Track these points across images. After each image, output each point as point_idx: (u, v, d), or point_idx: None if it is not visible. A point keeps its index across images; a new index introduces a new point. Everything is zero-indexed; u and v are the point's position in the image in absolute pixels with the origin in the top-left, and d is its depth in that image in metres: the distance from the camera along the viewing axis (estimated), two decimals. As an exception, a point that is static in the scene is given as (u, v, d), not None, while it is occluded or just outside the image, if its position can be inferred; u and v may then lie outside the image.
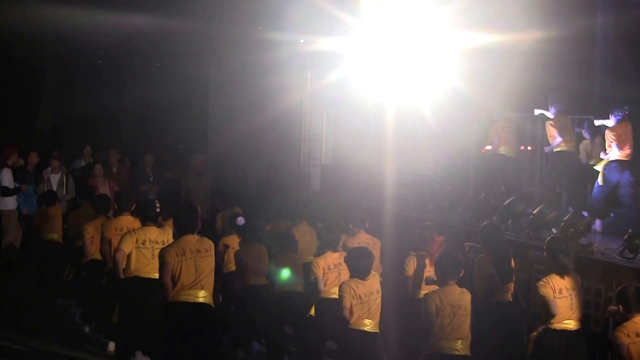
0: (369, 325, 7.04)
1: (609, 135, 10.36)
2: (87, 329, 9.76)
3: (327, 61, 13.04)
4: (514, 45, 11.77)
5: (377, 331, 7.16)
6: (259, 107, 14.22)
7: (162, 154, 15.04)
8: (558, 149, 11.09)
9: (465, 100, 12.17)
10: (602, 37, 12.48)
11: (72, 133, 17.75)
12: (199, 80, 16.71)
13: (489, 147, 12.16)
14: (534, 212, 9.30)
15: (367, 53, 12.34)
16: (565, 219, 8.73)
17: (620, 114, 10.31)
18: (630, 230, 8.31)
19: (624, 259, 7.99)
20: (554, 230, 9.03)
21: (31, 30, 15.27)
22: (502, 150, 11.74)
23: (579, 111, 11.68)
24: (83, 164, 14.49)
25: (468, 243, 9.11)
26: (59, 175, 13.39)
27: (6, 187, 12.69)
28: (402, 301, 7.92)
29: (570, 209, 10.15)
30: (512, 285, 7.81)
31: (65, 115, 18.52)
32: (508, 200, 9.79)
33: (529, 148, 12.85)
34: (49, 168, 13.32)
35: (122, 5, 14.14)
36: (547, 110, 11.06)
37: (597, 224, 9.88)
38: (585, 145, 11.54)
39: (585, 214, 9.37)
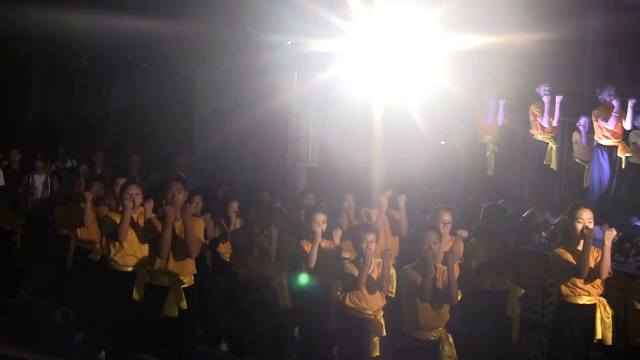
0: None
1: None
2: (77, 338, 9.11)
3: (314, 63, 12.92)
4: (504, 47, 11.65)
5: None
6: (245, 109, 14.09)
7: (148, 156, 14.88)
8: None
9: (455, 102, 12.05)
10: (593, 40, 12.41)
11: (58, 133, 17.64)
12: (184, 82, 16.61)
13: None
14: (523, 215, 9.17)
15: (356, 55, 12.22)
16: (555, 222, 8.60)
17: None
18: (620, 234, 8.18)
19: (615, 263, 7.83)
20: (543, 234, 8.88)
21: (18, 30, 15.13)
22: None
23: (570, 113, 11.55)
24: (61, 165, 14.31)
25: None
26: (44, 176, 13.15)
27: None
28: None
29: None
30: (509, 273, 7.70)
31: (52, 116, 18.43)
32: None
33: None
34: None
35: (108, 6, 13.97)
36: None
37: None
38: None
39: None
